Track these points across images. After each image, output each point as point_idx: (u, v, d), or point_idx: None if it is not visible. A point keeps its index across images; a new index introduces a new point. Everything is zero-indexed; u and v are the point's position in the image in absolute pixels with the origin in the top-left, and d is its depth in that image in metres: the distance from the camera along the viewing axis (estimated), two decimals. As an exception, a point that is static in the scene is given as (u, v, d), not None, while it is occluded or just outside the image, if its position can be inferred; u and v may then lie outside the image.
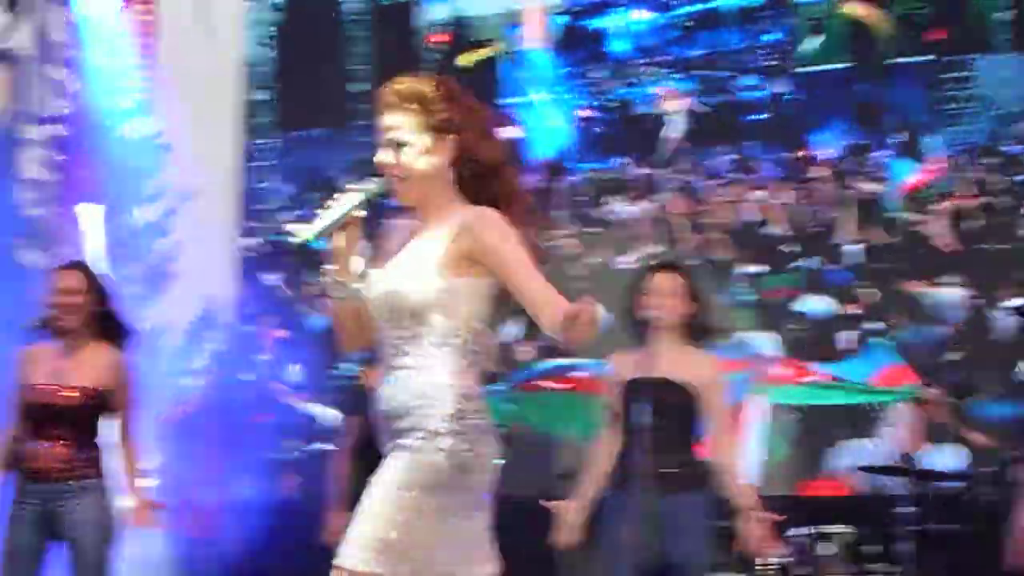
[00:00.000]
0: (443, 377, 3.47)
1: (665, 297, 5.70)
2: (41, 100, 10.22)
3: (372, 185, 3.61)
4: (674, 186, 10.70)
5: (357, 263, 3.62)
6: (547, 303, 3.33)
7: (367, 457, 6.42)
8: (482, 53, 11.22)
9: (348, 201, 3.57)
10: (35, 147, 12.01)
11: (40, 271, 8.58)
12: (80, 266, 6.21)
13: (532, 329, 9.96)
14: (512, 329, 10.15)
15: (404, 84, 3.61)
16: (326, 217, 3.55)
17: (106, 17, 10.24)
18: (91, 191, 10.11)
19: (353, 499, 3.52)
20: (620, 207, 10.70)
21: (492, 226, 3.47)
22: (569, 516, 5.73)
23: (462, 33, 11.45)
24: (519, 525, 7.38)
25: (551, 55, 11.03)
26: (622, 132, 11.02)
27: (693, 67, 10.95)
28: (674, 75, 10.99)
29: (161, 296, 10.75)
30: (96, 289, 6.07)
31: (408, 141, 3.55)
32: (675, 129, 10.77)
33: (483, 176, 3.59)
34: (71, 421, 5.89)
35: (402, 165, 3.56)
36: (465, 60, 11.24)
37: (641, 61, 11.10)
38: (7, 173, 10.09)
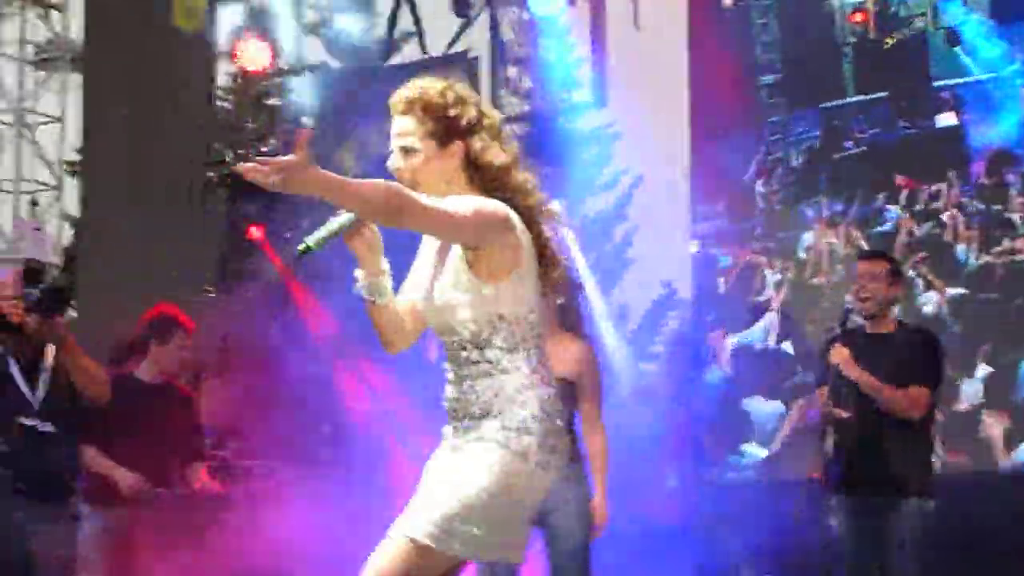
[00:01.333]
0: (517, 378, 3.54)
1: None
2: (496, 99, 10.54)
3: None
4: None
5: (381, 266, 3.63)
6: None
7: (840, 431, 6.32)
8: (904, 32, 10.31)
9: (348, 217, 3.53)
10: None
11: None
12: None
13: (995, 392, 9.01)
14: (970, 390, 9.18)
15: (412, 89, 3.61)
16: (330, 225, 3.54)
17: (554, 14, 10.45)
18: (550, 185, 10.33)
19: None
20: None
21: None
22: None
23: (884, 10, 10.32)
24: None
25: (993, 27, 9.96)
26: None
27: None
28: None
29: (619, 282, 10.87)
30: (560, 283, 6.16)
31: (414, 147, 3.57)
32: None
33: (494, 179, 3.58)
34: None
35: (409, 171, 3.58)
36: (887, 39, 10.31)
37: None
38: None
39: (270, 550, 6.78)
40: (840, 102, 10.32)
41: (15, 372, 5.80)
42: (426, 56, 10.80)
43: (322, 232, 3.53)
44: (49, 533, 5.82)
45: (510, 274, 3.55)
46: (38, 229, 5.73)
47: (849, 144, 10.33)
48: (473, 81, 10.27)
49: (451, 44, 11.15)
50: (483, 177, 3.60)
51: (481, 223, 3.48)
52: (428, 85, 3.64)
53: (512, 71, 11.49)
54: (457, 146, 3.59)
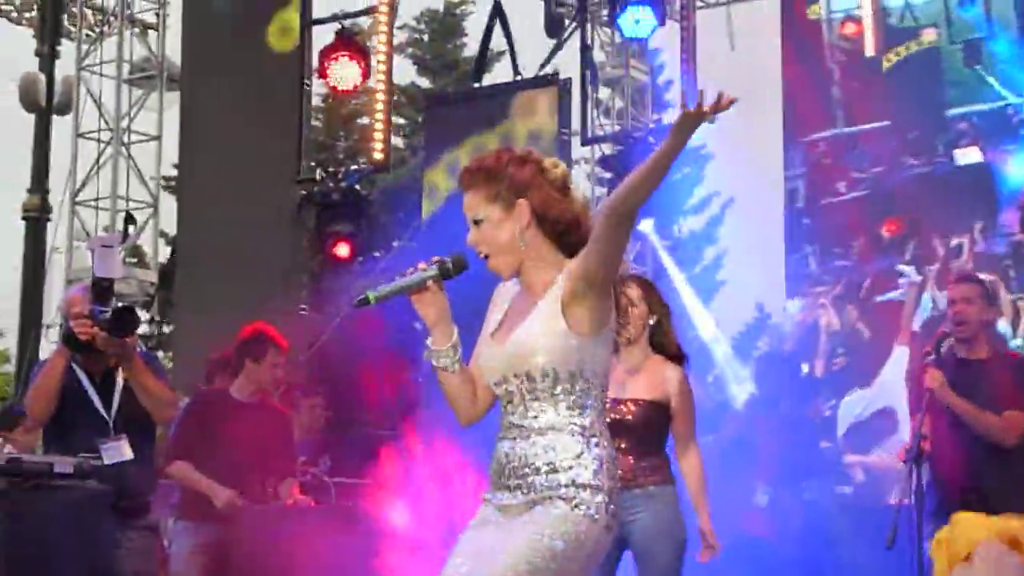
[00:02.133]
0: (582, 437, 3.57)
1: None
2: (587, 120, 10.54)
3: (448, 261, 3.66)
4: None
5: (452, 333, 3.68)
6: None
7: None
8: (909, 47, 8.55)
9: (419, 274, 3.64)
10: (583, 166, 12.43)
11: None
12: (637, 279, 6.29)
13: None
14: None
15: (472, 163, 3.70)
16: (394, 284, 3.63)
17: (644, 35, 10.43)
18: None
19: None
20: None
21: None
22: None
23: (883, 20, 8.64)
24: None
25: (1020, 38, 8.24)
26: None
27: None
28: None
29: (711, 304, 10.82)
30: (653, 303, 6.13)
31: (483, 216, 3.65)
32: None
33: (565, 231, 3.64)
34: (633, 432, 5.98)
35: (484, 240, 3.65)
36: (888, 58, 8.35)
37: None
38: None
39: (357, 567, 6.82)
40: (829, 133, 8.73)
41: (89, 389, 5.84)
42: (519, 77, 10.81)
43: (387, 288, 3.63)
44: (128, 547, 5.85)
45: (600, 331, 3.61)
46: (108, 246, 5.71)
47: (842, 186, 8.64)
48: (565, 101, 10.28)
49: (543, 65, 11.17)
50: (555, 230, 3.66)
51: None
52: (483, 155, 3.74)
53: (604, 92, 11.50)
54: (523, 204, 3.65)
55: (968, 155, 8.14)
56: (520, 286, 3.76)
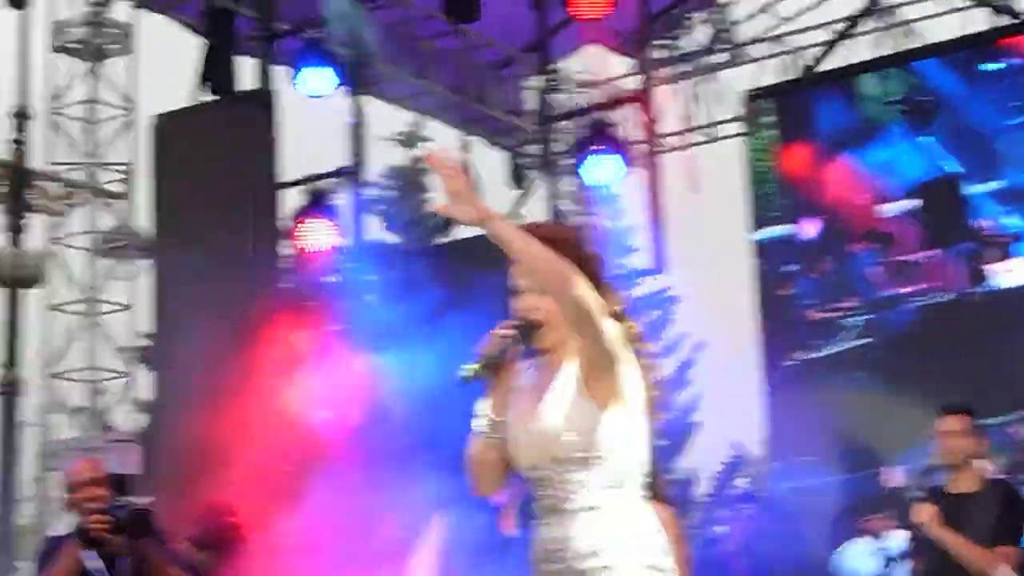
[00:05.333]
0: (623, 520, 3.45)
1: None
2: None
3: (522, 323, 3.55)
4: None
5: (507, 405, 3.59)
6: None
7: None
8: None
9: (502, 342, 3.53)
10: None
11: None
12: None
13: None
14: None
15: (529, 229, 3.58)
16: (484, 354, 3.51)
17: (611, 182, 10.56)
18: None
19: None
20: None
21: None
22: None
23: None
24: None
25: None
26: None
27: None
28: None
29: (687, 447, 10.83)
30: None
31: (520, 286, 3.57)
32: None
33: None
34: None
35: (541, 306, 3.53)
36: None
37: None
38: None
39: None
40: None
41: (98, 564, 5.73)
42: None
43: (479, 363, 3.51)
44: None
45: (626, 400, 3.46)
46: (124, 441, 5.72)
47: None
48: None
49: (509, 215, 11.24)
50: None
51: (586, 302, 3.41)
52: (539, 223, 3.76)
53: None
54: None
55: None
56: (540, 369, 3.62)
